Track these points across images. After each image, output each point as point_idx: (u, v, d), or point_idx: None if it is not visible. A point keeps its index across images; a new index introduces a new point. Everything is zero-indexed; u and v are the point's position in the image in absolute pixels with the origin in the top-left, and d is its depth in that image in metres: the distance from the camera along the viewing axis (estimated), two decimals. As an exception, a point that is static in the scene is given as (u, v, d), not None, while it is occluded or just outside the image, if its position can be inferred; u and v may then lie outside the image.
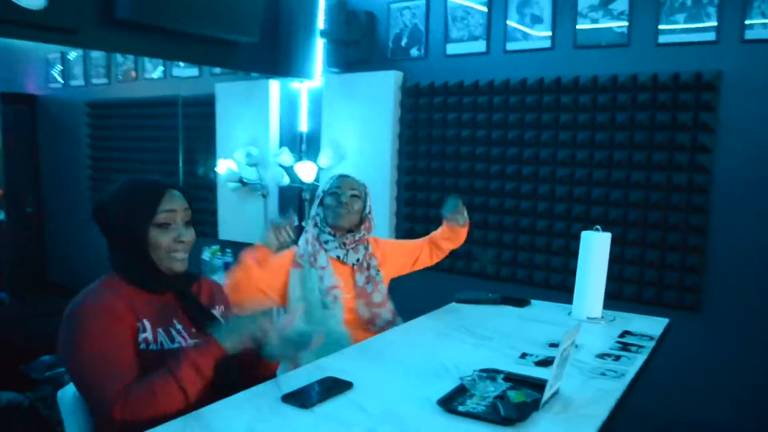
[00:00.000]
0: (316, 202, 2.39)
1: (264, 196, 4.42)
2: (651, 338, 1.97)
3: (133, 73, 5.55)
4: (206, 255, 4.25)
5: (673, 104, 3.10)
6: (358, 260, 2.34)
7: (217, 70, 4.83)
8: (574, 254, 3.36)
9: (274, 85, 4.48)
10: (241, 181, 4.45)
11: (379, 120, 4.00)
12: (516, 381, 1.49)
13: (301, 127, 4.44)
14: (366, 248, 2.40)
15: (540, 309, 2.35)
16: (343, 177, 2.42)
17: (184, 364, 1.34)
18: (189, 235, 1.51)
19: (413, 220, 3.93)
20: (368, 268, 2.35)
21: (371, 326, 2.28)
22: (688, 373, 3.12)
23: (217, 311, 1.63)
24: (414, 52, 3.89)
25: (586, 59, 3.32)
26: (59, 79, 6.08)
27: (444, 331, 2.01)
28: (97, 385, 1.33)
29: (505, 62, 3.57)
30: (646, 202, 3.20)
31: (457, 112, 3.73)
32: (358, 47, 4.10)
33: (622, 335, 2.00)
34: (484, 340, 1.91)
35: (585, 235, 2.19)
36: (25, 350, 3.06)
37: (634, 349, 1.85)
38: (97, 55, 5.78)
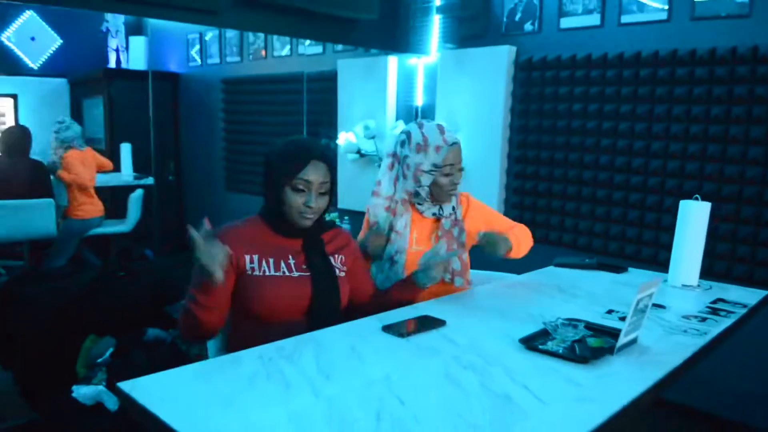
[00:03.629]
0: (425, 178, 2.12)
1: (380, 167, 4.65)
2: (744, 306, 2.01)
3: (263, 52, 5.95)
4: (326, 221, 4.56)
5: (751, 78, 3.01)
6: (442, 214, 2.19)
7: (339, 47, 5.11)
8: (666, 228, 3.36)
9: (392, 60, 4.68)
10: (359, 152, 4.71)
11: (491, 94, 4.10)
12: (596, 330, 1.61)
13: (417, 101, 4.62)
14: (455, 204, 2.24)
15: (635, 276, 2.42)
16: (455, 146, 2.16)
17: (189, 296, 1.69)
18: (319, 203, 1.75)
19: (522, 193, 4.03)
20: (455, 222, 2.20)
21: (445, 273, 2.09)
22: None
23: (334, 259, 1.87)
24: (528, 26, 3.95)
25: (703, 31, 3.26)
26: (197, 58, 6.61)
27: (536, 288, 2.14)
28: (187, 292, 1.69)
29: (620, 35, 3.57)
30: (741, 177, 3.13)
31: (569, 86, 3.77)
32: (473, 23, 4.21)
33: (714, 302, 2.05)
34: (573, 297, 2.02)
35: (684, 204, 2.24)
36: (169, 294, 3.51)
37: (723, 313, 1.90)
38: (231, 35, 6.24)
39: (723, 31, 3.20)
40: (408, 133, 2.17)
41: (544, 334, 1.58)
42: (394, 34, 4.45)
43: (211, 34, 6.43)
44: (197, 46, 6.59)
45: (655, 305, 1.97)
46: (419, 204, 2.20)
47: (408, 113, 4.68)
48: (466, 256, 2.24)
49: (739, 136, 3.15)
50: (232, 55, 6.35)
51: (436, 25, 4.36)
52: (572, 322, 1.61)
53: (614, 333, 1.58)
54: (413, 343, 1.51)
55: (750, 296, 2.15)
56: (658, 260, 3.32)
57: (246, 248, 1.74)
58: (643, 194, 3.52)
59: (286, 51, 5.71)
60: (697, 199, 2.21)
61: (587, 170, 3.72)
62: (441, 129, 2.15)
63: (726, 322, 1.80)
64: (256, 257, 1.74)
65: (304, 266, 1.79)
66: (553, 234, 3.88)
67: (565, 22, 3.78)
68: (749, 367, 3.11)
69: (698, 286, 2.23)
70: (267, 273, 1.74)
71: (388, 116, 4.70)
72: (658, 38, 3.41)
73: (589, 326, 1.61)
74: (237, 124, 6.32)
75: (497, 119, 4.08)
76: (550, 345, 1.50)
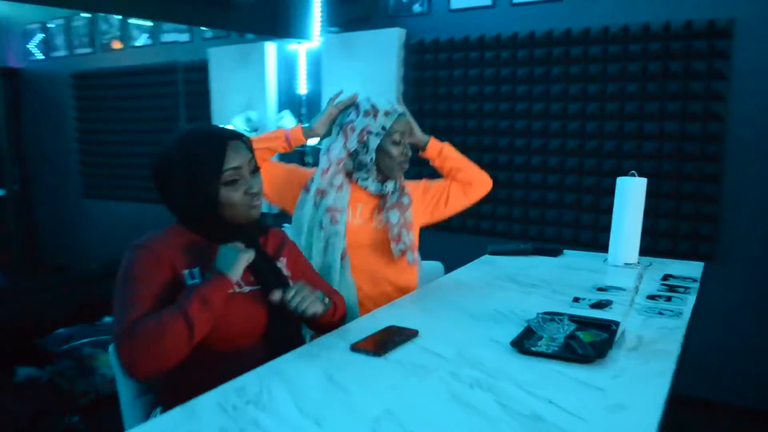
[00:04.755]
0: (373, 140, 1.96)
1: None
2: (694, 280, 1.97)
3: (116, 43, 5.40)
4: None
5: (685, 53, 3.06)
6: (387, 191, 2.04)
7: (209, 34, 4.72)
8: (588, 208, 3.38)
9: (271, 47, 4.36)
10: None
11: (382, 79, 3.92)
12: (580, 323, 1.46)
13: (300, 90, 4.35)
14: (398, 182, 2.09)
15: (574, 258, 2.33)
16: (403, 117, 2.04)
17: (193, 297, 1.30)
18: (258, 183, 1.47)
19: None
20: (399, 199, 2.04)
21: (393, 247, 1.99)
22: (703, 322, 3.14)
23: (281, 263, 1.59)
24: (416, 7, 3.80)
25: (597, 9, 3.26)
26: (39, 51, 5.90)
27: (487, 280, 1.98)
28: (116, 316, 1.31)
29: (512, 15, 3.51)
30: (659, 153, 3.18)
31: (463, 69, 3.67)
32: (358, 4, 4.01)
33: (664, 278, 1.99)
34: (529, 287, 1.88)
35: (621, 180, 2.17)
36: (37, 325, 2.99)
37: (681, 290, 1.84)
38: (79, 23, 5.62)
39: (615, 9, 3.22)
40: (356, 105, 2.06)
41: (529, 333, 1.41)
42: (271, 17, 4.15)
43: (54, 22, 5.76)
44: (39, 37, 5.88)
45: (613, 288, 1.87)
46: (363, 180, 2.03)
47: (292, 102, 4.40)
48: (414, 234, 2.08)
49: (654, 112, 3.19)
50: (81, 46, 5.72)
51: (317, 7, 4.11)
52: (554, 317, 1.45)
53: (599, 324, 1.46)
54: (393, 361, 1.27)
55: (691, 269, 2.12)
56: (599, 243, 3.26)
57: (183, 260, 1.40)
58: (561, 175, 3.48)
59: (143, 40, 5.21)
60: (633, 175, 2.15)
61: (487, 153, 3.64)
62: (390, 101, 2.06)
63: (690, 299, 1.74)
64: (197, 271, 1.40)
65: (252, 278, 1.49)
66: (485, 223, 3.73)
67: (456, 2, 3.67)
68: (723, 345, 3.14)
69: (638, 263, 2.18)
70: None
71: (269, 107, 4.39)
72: (552, 17, 3.39)
73: (573, 319, 1.46)
74: (93, 123, 5.71)
75: (390, 105, 3.90)
76: (543, 346, 1.33)
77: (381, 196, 2.05)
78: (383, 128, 1.97)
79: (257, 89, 4.41)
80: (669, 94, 3.12)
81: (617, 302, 1.70)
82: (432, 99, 3.80)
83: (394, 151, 2.00)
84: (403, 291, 1.99)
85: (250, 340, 1.43)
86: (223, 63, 4.61)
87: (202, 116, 4.71)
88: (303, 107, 4.36)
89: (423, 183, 2.23)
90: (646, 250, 3.14)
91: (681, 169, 3.13)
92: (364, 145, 1.98)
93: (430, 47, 3.77)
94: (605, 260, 2.24)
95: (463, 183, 2.24)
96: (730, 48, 2.98)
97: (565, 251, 2.37)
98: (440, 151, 2.23)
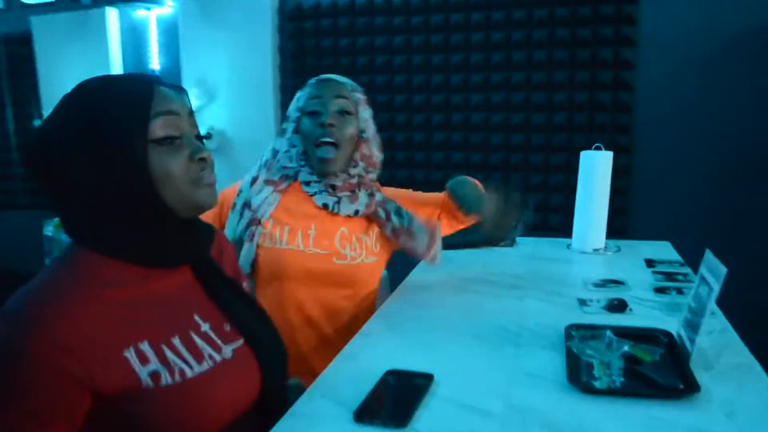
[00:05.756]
0: (288, 130, 1.52)
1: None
2: (681, 264, 1.72)
3: None
4: (49, 230, 3.44)
5: (593, 18, 2.86)
6: (357, 212, 1.51)
7: (31, -1, 3.92)
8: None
9: (112, 13, 3.67)
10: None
11: (253, 51, 3.39)
12: (626, 335, 1.12)
13: (153, 65, 3.70)
14: (371, 194, 1.54)
15: (529, 246, 1.99)
16: (324, 82, 1.51)
17: None
18: (208, 151, 0.92)
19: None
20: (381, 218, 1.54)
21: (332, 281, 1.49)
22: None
23: (244, 285, 1.09)
24: (290, -33, 3.31)
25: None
26: None
27: (457, 285, 1.57)
28: None
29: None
30: (569, 125, 2.97)
31: (350, 37, 3.24)
32: (220, -37, 3.44)
33: (650, 265, 1.71)
34: (513, 290, 1.50)
35: (585, 155, 1.87)
36: None
37: (680, 278, 1.57)
38: None
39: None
40: None
41: (574, 360, 1.03)
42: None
43: None
44: None
45: (609, 282, 1.56)
46: (306, 184, 1.51)
47: (143, 80, 3.73)
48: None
49: (564, 82, 2.95)
50: None
51: (169, -34, 3.49)
52: (593, 333, 1.11)
53: (647, 335, 1.13)
54: (426, 430, 0.85)
55: (663, 251, 1.87)
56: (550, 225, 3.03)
57: (120, 336, 0.81)
58: (466, 153, 3.17)
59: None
60: (599, 148, 1.85)
61: (383, 132, 3.24)
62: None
63: (704, 289, 1.46)
64: (146, 347, 0.83)
65: (227, 326, 0.96)
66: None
67: (338, -38, 3.23)
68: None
69: (606, 248, 1.90)
70: (189, 373, 0.85)
71: (116, 85, 3.70)
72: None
73: (616, 332, 1.11)
74: None
75: (265, 81, 3.39)
76: (604, 377, 0.97)
77: (346, 218, 1.52)
78: (299, 109, 1.52)
79: (98, 65, 3.70)
80: (578, 62, 2.91)
81: (628, 300, 1.39)
82: (315, 72, 3.33)
83: (308, 125, 1.47)
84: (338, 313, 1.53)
85: (238, 416, 0.93)
86: (52, 34, 3.84)
87: (31, 98, 3.91)
88: (158, 85, 3.72)
89: (399, 192, 1.66)
90: (555, 227, 2.94)
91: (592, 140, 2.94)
92: (283, 133, 1.57)
93: (310, 13, 3.29)
94: (569, 246, 1.95)
95: (458, 223, 1.68)
96: (638, 13, 2.82)
97: (516, 238, 2.03)
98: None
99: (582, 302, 1.40)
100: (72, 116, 0.84)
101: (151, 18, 3.65)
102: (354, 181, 1.51)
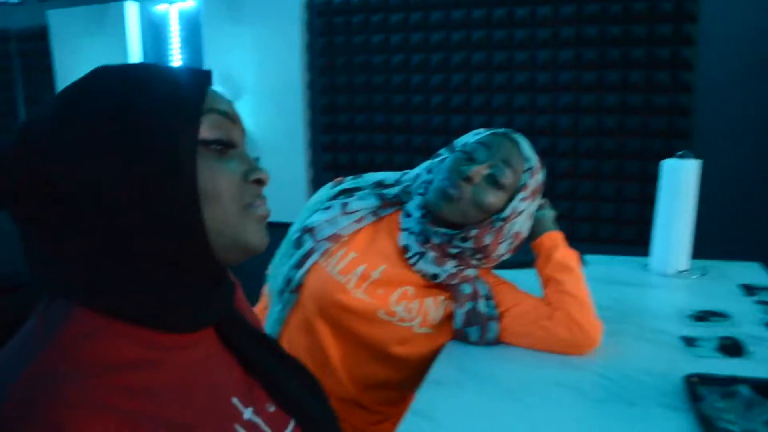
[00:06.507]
0: (439, 157, 1.32)
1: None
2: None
3: None
4: None
5: (649, 17, 2.64)
6: (436, 276, 1.25)
7: (48, -8, 3.75)
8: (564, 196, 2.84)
9: (132, 7, 3.49)
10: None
11: (281, 49, 3.20)
12: (759, 389, 0.92)
13: (174, 62, 3.52)
14: (462, 268, 1.26)
15: (600, 266, 1.77)
16: (503, 139, 1.24)
17: None
18: (267, 172, 0.70)
19: (336, 169, 3.23)
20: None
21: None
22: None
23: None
24: (321, -42, 3.11)
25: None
26: None
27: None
28: None
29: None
30: (621, 130, 2.74)
31: (384, 34, 3.04)
32: (245, -45, 3.24)
33: (750, 292, 1.49)
34: (607, 323, 1.27)
35: (668, 164, 1.66)
36: None
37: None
38: None
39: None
40: None
41: (709, 429, 0.83)
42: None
43: None
44: None
45: (711, 313, 1.34)
46: (406, 215, 1.30)
47: (164, 78, 3.55)
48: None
49: (616, 83, 2.73)
50: None
51: (192, -43, 3.30)
52: (725, 391, 0.91)
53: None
54: None
55: (755, 274, 1.65)
56: (621, 239, 2.78)
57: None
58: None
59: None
60: (685, 155, 1.64)
61: (416, 135, 3.05)
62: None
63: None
64: None
65: (271, 406, 0.73)
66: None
67: (373, -48, 3.02)
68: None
69: (690, 269, 1.68)
70: None
71: (135, 83, 3.52)
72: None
73: (752, 386, 0.91)
74: None
75: (294, 79, 3.20)
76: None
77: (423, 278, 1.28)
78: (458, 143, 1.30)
79: (116, 61, 3.51)
80: (633, 61, 2.69)
81: (742, 339, 1.19)
82: (346, 71, 3.14)
83: (454, 161, 1.24)
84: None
85: None
86: (69, 29, 3.67)
87: (47, 95, 3.74)
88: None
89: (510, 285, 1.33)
90: (608, 239, 2.73)
91: (645, 145, 2.72)
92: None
93: (341, 7, 3.09)
94: (646, 266, 1.74)
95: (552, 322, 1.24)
96: (698, 10, 2.59)
97: (585, 256, 1.82)
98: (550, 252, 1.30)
99: (688, 341, 1.19)
100: (89, 105, 0.60)
101: (172, 12, 3.46)
102: (453, 251, 1.24)
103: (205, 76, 0.67)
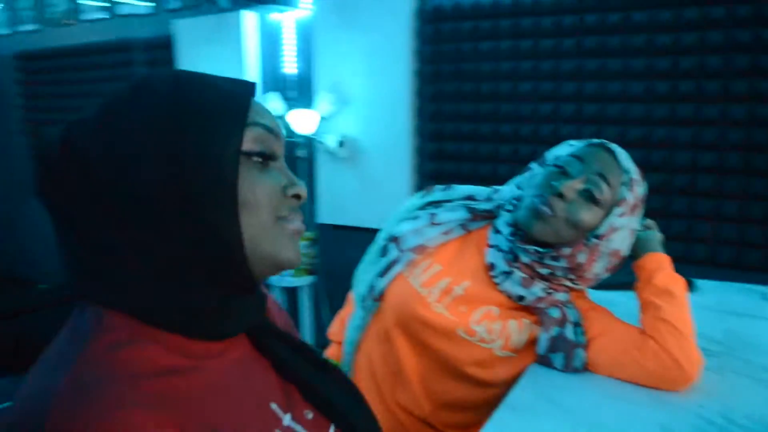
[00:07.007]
0: (530, 171, 1.29)
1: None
2: None
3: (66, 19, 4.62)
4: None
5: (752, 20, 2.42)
6: (521, 298, 1.21)
7: (175, 3, 3.97)
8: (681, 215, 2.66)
9: (249, 17, 3.63)
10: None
11: (390, 56, 3.21)
12: None
13: (288, 69, 3.62)
14: (550, 292, 1.21)
15: (714, 294, 1.64)
16: (597, 150, 1.19)
17: None
18: (304, 189, 0.71)
19: (441, 177, 3.21)
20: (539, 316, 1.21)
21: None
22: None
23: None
24: (432, -34, 3.09)
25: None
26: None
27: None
28: None
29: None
30: (722, 142, 2.53)
31: (493, 41, 2.97)
32: (357, -36, 3.28)
33: None
34: (710, 358, 1.13)
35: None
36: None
37: None
38: (21, -6, 4.82)
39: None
40: None
41: None
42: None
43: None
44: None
45: None
46: (495, 231, 1.27)
47: (277, 84, 3.67)
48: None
49: (715, 93, 2.53)
50: (27, 22, 4.92)
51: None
52: None
53: None
54: None
55: None
56: (718, 261, 2.57)
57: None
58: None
59: (96, 13, 4.44)
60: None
61: (525, 144, 2.96)
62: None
63: None
64: None
65: (309, 413, 0.74)
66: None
67: (483, -42, 2.96)
68: None
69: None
70: None
71: (251, 90, 3.66)
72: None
73: None
74: (43, 112, 4.93)
75: (402, 87, 3.21)
76: None
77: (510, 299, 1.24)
78: (552, 155, 1.26)
79: (234, 69, 3.68)
80: (735, 69, 2.47)
81: None
82: (454, 79, 3.10)
83: (545, 176, 1.21)
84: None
85: None
86: (192, 38, 3.87)
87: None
88: (292, 90, 3.64)
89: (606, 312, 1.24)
90: (727, 263, 2.53)
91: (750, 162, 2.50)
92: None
93: (450, 14, 3.06)
94: (766, 296, 1.60)
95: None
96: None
97: (696, 281, 1.69)
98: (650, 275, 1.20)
99: None
100: (136, 108, 0.62)
101: (287, 21, 3.56)
102: (543, 271, 1.19)
103: (249, 88, 0.68)
